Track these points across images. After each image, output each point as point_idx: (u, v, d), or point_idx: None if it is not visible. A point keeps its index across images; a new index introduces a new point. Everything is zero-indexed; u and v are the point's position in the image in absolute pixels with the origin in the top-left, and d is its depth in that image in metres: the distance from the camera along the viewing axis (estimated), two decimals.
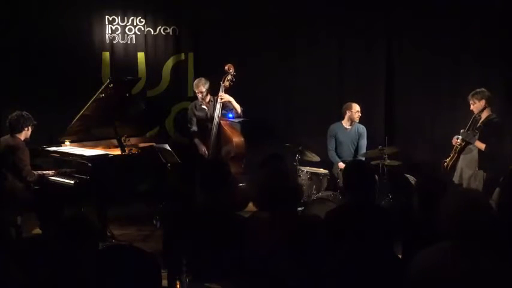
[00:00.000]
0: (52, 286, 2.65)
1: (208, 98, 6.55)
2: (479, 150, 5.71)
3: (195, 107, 6.65)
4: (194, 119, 6.65)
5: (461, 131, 5.85)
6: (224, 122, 6.55)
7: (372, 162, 6.21)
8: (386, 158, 6.25)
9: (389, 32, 7.40)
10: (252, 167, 5.77)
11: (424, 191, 3.40)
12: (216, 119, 6.45)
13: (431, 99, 7.26)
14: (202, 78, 6.55)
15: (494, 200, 4.01)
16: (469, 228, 2.42)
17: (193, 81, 6.67)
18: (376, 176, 4.28)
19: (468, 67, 7.11)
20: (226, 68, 6.51)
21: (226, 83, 6.48)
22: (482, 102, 5.75)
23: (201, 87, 6.46)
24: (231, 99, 6.49)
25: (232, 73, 6.49)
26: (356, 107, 6.64)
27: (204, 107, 6.59)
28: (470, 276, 2.39)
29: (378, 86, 7.48)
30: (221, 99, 6.45)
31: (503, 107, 6.64)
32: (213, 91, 6.56)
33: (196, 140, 6.60)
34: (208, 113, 6.57)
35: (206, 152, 6.50)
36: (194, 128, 6.67)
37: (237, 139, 6.45)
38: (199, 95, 6.50)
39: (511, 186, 3.56)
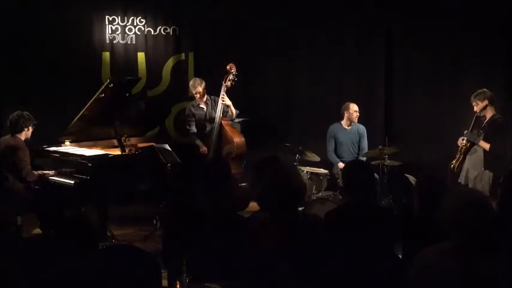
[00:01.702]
0: (52, 286, 2.65)
1: (205, 97, 6.54)
2: (485, 150, 5.65)
3: (193, 107, 6.63)
4: (193, 120, 6.62)
5: (465, 131, 5.78)
6: (225, 122, 6.52)
7: (372, 162, 6.22)
8: (386, 158, 6.25)
9: (389, 32, 7.39)
10: (252, 167, 5.76)
11: (424, 191, 3.40)
12: (217, 119, 6.42)
13: (431, 99, 7.24)
14: (197, 79, 6.55)
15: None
16: (469, 229, 2.42)
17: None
18: (376, 176, 4.28)
19: (468, 67, 7.10)
20: (228, 67, 6.42)
21: (228, 83, 6.39)
22: (485, 103, 5.69)
23: (198, 87, 6.44)
24: (230, 103, 6.48)
25: (234, 73, 6.39)
26: (354, 107, 6.63)
27: (202, 106, 6.57)
28: (470, 276, 2.39)
29: (378, 85, 7.47)
30: (223, 100, 6.41)
31: (503, 107, 6.62)
32: (214, 91, 6.54)
33: (198, 141, 6.58)
34: (207, 112, 6.55)
35: (206, 152, 6.47)
36: (193, 129, 6.64)
37: (238, 139, 6.42)
38: (197, 95, 6.49)
39: (511, 187, 3.55)
